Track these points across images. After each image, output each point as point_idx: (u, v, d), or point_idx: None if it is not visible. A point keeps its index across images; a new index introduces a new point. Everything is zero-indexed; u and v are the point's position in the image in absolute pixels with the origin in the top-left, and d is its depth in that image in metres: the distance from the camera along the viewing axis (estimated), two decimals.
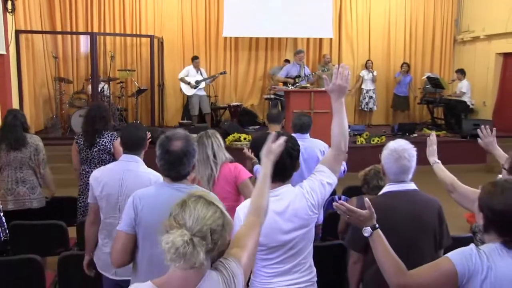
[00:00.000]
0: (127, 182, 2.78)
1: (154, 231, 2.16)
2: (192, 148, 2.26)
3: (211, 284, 1.52)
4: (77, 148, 4.12)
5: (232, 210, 2.00)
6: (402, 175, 2.45)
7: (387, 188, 2.52)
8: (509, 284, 1.73)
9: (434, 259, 2.40)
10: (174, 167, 2.22)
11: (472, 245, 1.83)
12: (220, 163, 3.24)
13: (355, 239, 2.44)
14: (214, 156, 3.23)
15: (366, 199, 1.96)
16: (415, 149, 2.48)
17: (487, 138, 3.02)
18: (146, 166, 2.91)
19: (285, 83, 8.73)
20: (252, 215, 1.89)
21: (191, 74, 9.71)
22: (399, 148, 2.43)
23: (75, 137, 4.19)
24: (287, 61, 10.72)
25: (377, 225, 1.97)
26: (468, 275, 1.74)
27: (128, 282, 2.41)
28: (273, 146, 2.08)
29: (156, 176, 2.74)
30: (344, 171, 4.29)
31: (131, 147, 2.93)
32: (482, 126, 3.05)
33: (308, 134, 4.27)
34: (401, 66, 11.32)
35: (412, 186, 2.50)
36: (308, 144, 4.12)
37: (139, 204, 2.24)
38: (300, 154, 3.92)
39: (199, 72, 9.79)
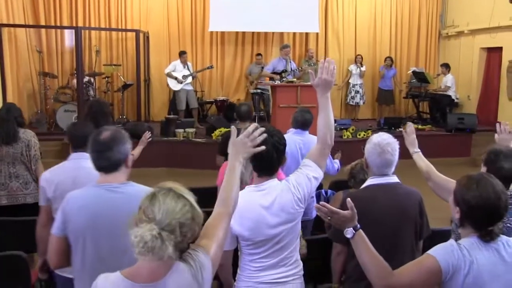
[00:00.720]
0: (80, 180, 2.68)
1: (82, 233, 2.14)
2: (121, 136, 2.23)
3: (178, 275, 1.54)
4: None
5: None
6: (385, 169, 2.48)
7: (370, 181, 2.54)
8: (489, 276, 1.76)
9: (415, 250, 2.46)
10: (103, 154, 2.19)
11: (451, 240, 1.85)
12: None
13: (338, 231, 2.43)
14: None
15: (348, 199, 1.95)
16: (397, 142, 2.50)
17: (502, 134, 2.99)
18: None
19: (271, 78, 8.73)
20: (219, 206, 1.91)
21: (178, 69, 9.65)
22: (383, 142, 2.45)
23: None
24: (260, 55, 10.76)
25: (358, 226, 1.94)
26: (452, 271, 1.75)
27: None
28: (237, 140, 2.12)
29: None
30: (337, 169, 4.30)
31: (79, 145, 2.88)
32: (502, 122, 3.03)
33: (307, 131, 4.17)
34: (385, 60, 11.37)
35: (394, 179, 2.52)
36: (307, 140, 4.08)
37: (67, 207, 2.20)
38: (299, 149, 3.98)
39: (186, 67, 9.74)
